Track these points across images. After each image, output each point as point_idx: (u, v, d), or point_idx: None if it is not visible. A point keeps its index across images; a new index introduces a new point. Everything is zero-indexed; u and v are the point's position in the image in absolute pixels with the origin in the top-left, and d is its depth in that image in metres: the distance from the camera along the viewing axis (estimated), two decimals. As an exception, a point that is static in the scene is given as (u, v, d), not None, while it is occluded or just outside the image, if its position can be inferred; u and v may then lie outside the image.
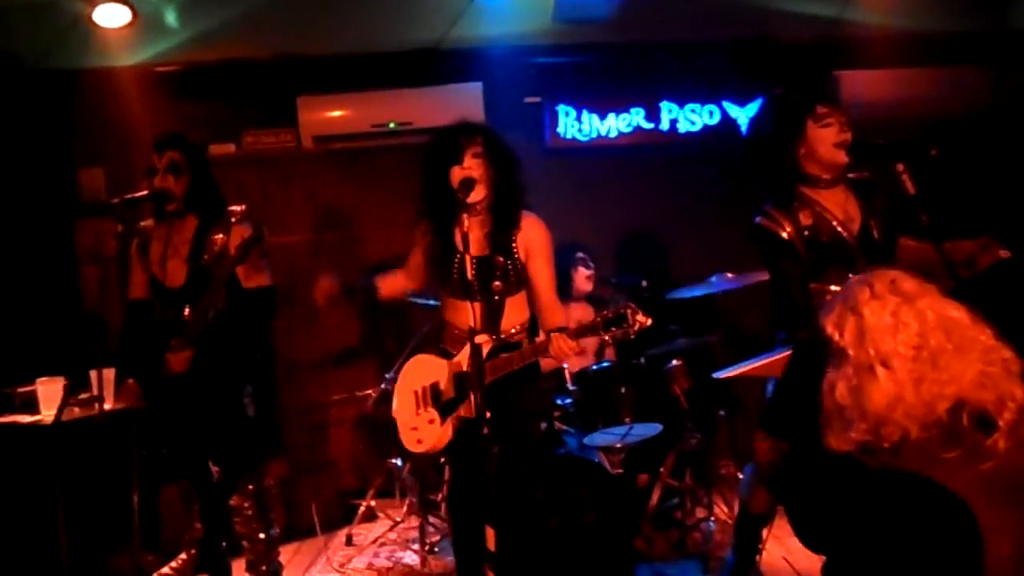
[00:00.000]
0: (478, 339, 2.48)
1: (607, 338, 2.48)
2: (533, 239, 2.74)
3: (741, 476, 3.91)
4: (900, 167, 2.42)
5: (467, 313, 2.60)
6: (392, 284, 3.02)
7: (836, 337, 1.44)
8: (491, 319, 2.63)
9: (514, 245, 2.72)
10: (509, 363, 2.61)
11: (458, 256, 2.69)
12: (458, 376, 2.69)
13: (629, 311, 2.40)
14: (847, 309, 1.45)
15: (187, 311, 2.91)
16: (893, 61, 4.46)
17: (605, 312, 2.47)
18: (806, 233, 2.61)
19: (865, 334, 1.40)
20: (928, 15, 4.39)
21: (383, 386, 3.99)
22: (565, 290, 4.08)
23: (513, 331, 2.74)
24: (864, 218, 2.65)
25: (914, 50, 4.43)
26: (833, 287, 2.56)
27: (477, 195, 2.65)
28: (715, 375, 2.98)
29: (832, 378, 1.45)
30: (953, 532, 1.25)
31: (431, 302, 3.50)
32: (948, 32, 4.51)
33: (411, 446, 2.79)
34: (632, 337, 2.43)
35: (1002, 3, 4.60)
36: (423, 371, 2.80)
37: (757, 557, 2.94)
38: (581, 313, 4.07)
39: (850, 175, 2.69)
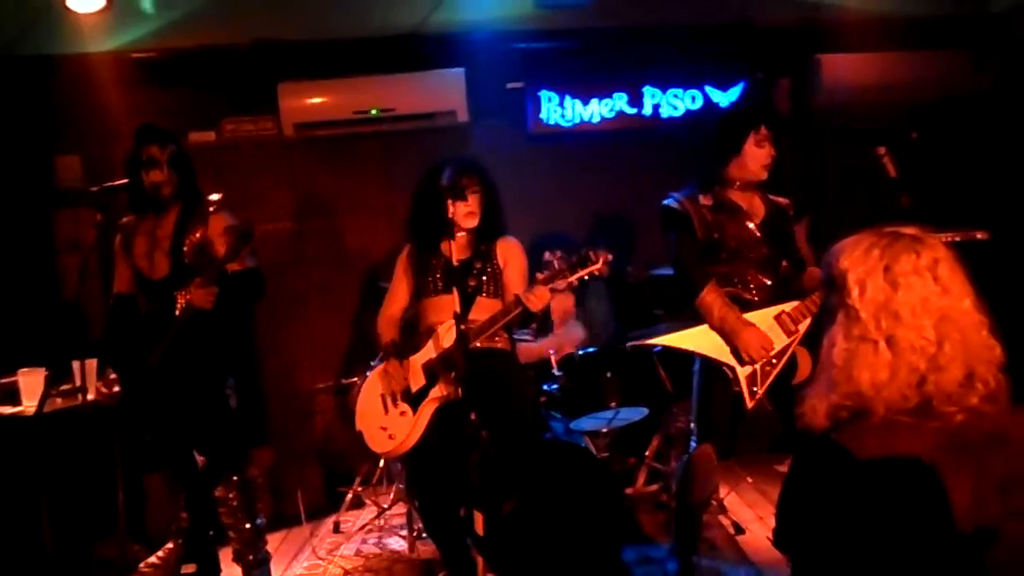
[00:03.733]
0: (442, 327, 2.75)
1: (574, 281, 2.56)
2: (511, 251, 3.00)
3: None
4: (881, 150, 2.46)
5: (436, 309, 2.87)
6: (392, 327, 3.08)
7: (855, 292, 1.35)
8: (462, 306, 2.71)
9: (494, 254, 2.98)
10: (486, 325, 2.73)
11: (441, 260, 2.94)
12: (427, 364, 2.82)
13: (590, 251, 2.50)
14: (880, 267, 1.35)
15: (187, 291, 2.91)
16: (874, 45, 4.47)
17: (569, 258, 2.56)
18: (705, 214, 2.80)
19: (887, 306, 1.32)
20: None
21: (368, 373, 3.98)
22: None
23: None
24: (768, 212, 2.84)
25: (895, 33, 4.45)
26: (736, 266, 2.78)
27: (472, 224, 2.94)
28: (629, 344, 3.14)
29: (835, 334, 1.39)
30: (922, 499, 1.26)
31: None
32: (928, 16, 4.54)
33: (381, 446, 2.88)
34: (600, 275, 2.52)
35: (981, -13, 4.64)
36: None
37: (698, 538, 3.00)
38: (567, 302, 4.07)
39: (772, 196, 2.90)
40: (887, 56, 4.52)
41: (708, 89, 4.72)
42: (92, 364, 3.55)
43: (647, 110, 4.71)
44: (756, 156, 2.78)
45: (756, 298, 2.78)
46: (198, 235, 3.04)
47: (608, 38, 4.61)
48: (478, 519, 2.25)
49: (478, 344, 2.77)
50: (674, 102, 4.72)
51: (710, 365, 2.76)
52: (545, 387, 3.55)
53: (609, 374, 3.41)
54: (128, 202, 3.15)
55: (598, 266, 2.49)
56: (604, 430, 3.47)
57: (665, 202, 2.89)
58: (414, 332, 3.02)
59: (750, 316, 2.72)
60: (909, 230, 1.41)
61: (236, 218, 3.08)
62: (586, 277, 2.54)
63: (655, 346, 2.95)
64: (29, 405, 3.36)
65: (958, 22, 4.61)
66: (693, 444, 2.84)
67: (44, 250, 4.51)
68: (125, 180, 3.03)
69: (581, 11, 4.25)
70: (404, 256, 3.12)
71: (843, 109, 4.32)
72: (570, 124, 4.69)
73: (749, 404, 2.69)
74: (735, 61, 4.67)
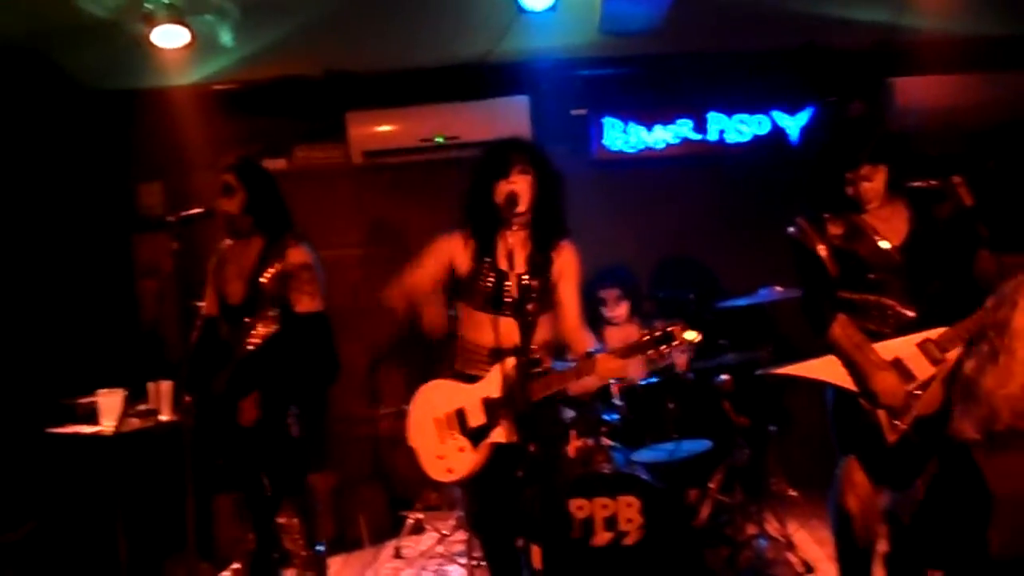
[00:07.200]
0: (507, 363, 2.53)
1: (656, 356, 2.46)
2: (567, 263, 2.76)
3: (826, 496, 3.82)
4: (957, 179, 2.38)
5: (488, 329, 2.60)
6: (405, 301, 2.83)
7: (987, 318, 1.60)
8: (523, 339, 2.51)
9: (551, 268, 2.73)
10: (549, 385, 2.58)
11: (495, 270, 2.70)
12: (488, 402, 2.65)
13: (676, 328, 2.39)
14: (1008, 296, 1.57)
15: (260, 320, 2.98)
16: (948, 67, 4.35)
17: (652, 330, 2.45)
18: (836, 243, 2.60)
19: (1009, 324, 1.53)
20: (984, 19, 4.27)
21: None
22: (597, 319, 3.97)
23: (535, 352, 2.68)
24: (913, 229, 2.54)
25: (970, 55, 4.32)
26: (871, 297, 2.53)
27: (519, 210, 2.66)
28: (758, 372, 2.95)
29: (972, 352, 1.62)
30: None
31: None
32: (1005, 36, 4.38)
33: (439, 476, 2.75)
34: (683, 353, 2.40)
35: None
36: (441, 397, 2.76)
37: None
38: (633, 332, 4.02)
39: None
40: (962, 78, 4.38)
41: (775, 114, 4.66)
42: (166, 386, 3.68)
43: (712, 135, 4.67)
44: (865, 190, 2.53)
45: (890, 332, 2.49)
46: (277, 267, 3.02)
47: (672, 64, 4.61)
48: (535, 552, 2.23)
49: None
50: (740, 127, 4.66)
51: (844, 392, 2.56)
52: (606, 417, 3.51)
53: (671, 404, 3.36)
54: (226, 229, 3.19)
55: (680, 349, 2.44)
56: (666, 461, 3.40)
57: (790, 230, 2.70)
58: (450, 342, 2.82)
59: (889, 344, 2.46)
60: None
61: (311, 254, 3.07)
62: (668, 353, 2.49)
63: (787, 376, 2.70)
64: (107, 424, 3.51)
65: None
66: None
67: (124, 275, 4.72)
68: (201, 209, 3.11)
69: (645, 38, 4.24)
70: (450, 241, 2.79)
71: (916, 133, 4.19)
72: (634, 150, 4.68)
73: (890, 439, 2.44)
74: (804, 85, 4.59)
